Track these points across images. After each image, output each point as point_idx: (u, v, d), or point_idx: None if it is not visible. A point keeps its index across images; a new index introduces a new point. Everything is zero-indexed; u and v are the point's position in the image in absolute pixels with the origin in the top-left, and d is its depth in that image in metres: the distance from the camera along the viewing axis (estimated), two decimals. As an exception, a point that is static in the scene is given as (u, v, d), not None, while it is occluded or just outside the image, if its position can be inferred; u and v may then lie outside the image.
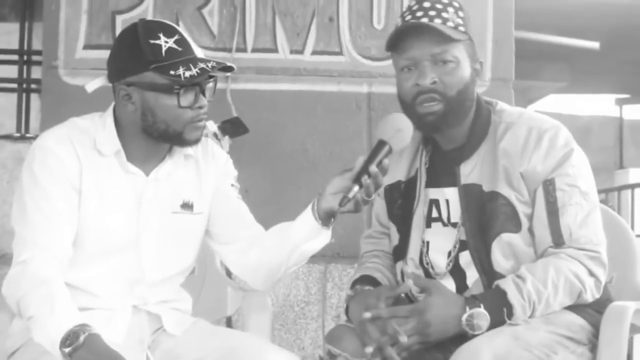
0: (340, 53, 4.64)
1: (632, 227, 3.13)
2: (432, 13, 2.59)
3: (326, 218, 2.56)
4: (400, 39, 2.62)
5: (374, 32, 4.65)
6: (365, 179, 2.43)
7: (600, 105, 15.14)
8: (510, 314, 2.43)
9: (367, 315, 2.48)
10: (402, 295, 2.64)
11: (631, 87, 13.67)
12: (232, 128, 4.27)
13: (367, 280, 2.74)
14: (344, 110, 4.64)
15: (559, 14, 9.34)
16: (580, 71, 11.44)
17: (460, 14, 2.62)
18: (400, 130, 2.49)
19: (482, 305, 2.43)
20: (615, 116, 14.96)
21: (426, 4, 2.61)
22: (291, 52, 4.64)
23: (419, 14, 2.60)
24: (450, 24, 2.58)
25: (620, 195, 7.59)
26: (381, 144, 2.48)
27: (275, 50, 4.64)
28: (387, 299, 2.54)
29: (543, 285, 2.45)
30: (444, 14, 2.59)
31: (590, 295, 2.52)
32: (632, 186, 7.36)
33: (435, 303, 2.45)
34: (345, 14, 4.67)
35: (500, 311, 2.43)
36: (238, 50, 4.60)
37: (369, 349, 2.46)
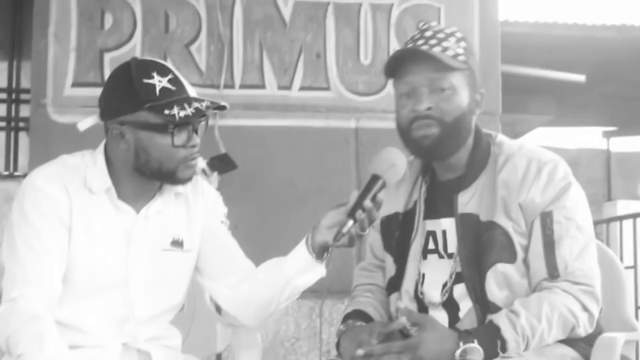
0: (327, 88, 4.67)
1: (621, 259, 3.14)
2: (432, 42, 2.60)
3: (320, 252, 2.57)
4: (399, 65, 2.63)
5: (361, 68, 4.67)
6: (359, 214, 2.44)
7: (587, 138, 15.19)
8: (504, 349, 2.42)
9: (360, 352, 2.47)
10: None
11: (618, 120, 13.72)
12: (221, 164, 4.28)
13: (359, 315, 2.73)
14: (332, 145, 4.66)
15: (545, 48, 9.38)
16: (566, 104, 11.47)
17: (462, 44, 2.63)
18: (394, 165, 2.50)
19: (475, 341, 2.41)
20: (603, 149, 15.00)
21: (428, 33, 2.63)
22: (279, 88, 4.67)
23: (420, 42, 2.62)
24: (449, 52, 2.59)
25: (609, 227, 7.59)
26: (375, 178, 2.49)
27: (263, 87, 4.66)
28: (380, 335, 2.53)
29: (537, 320, 2.44)
30: (445, 43, 2.60)
31: (584, 330, 2.51)
32: (620, 218, 7.36)
33: (428, 338, 2.42)
34: (332, 50, 4.70)
35: (494, 346, 2.41)
36: (226, 86, 4.62)
37: None
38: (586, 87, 10.22)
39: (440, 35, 2.62)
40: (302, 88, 4.66)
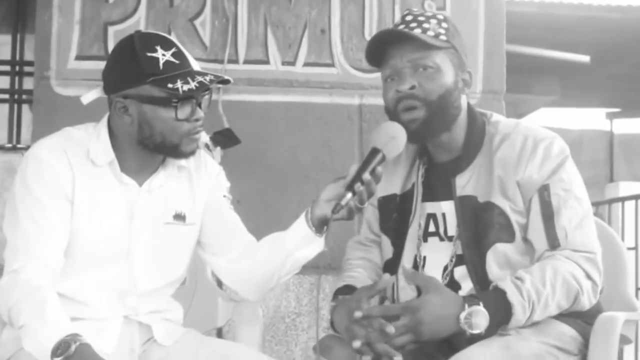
0: (331, 65, 4.65)
1: (623, 239, 3.16)
2: (413, 25, 2.63)
3: (320, 225, 2.57)
4: (381, 51, 2.65)
5: (365, 44, 4.64)
6: (358, 187, 2.45)
7: (590, 119, 15.18)
8: (510, 314, 2.41)
9: (358, 314, 2.46)
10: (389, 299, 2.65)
11: (621, 101, 13.70)
12: (224, 139, 4.27)
13: (350, 291, 2.71)
14: (336, 121, 4.64)
15: (550, 27, 9.37)
16: (570, 85, 11.46)
17: (444, 24, 2.65)
18: (394, 138, 2.51)
19: (481, 304, 2.40)
20: (606, 130, 14.98)
21: (408, 18, 2.66)
22: (283, 63, 4.65)
23: (401, 27, 2.65)
24: (430, 33, 2.61)
25: (611, 208, 7.59)
26: (374, 151, 2.49)
27: (267, 62, 4.64)
28: (369, 299, 2.53)
29: (542, 284, 2.43)
30: (425, 25, 2.62)
31: (587, 298, 2.50)
32: (623, 199, 7.36)
33: (430, 301, 2.42)
34: (337, 26, 4.68)
35: (500, 310, 2.41)
36: (230, 61, 4.60)
37: (357, 344, 2.44)
38: (590, 68, 10.20)
39: (421, 18, 2.65)
40: (306, 64, 4.64)
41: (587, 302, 2.51)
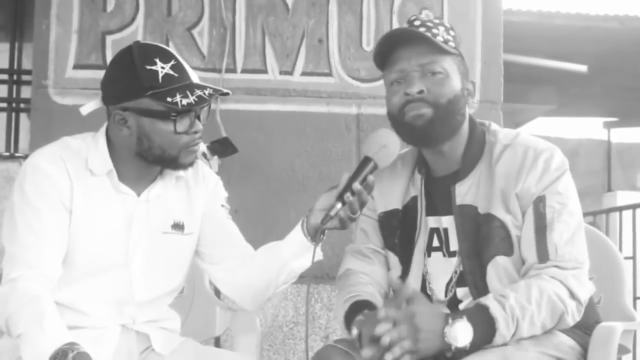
0: (329, 74, 4.66)
1: (620, 249, 3.15)
2: (422, 29, 2.59)
3: (315, 234, 2.57)
4: (389, 54, 2.62)
5: (363, 54, 4.67)
6: (347, 197, 2.44)
7: (588, 128, 15.19)
8: (494, 329, 2.37)
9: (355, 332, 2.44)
10: None
11: (619, 111, 13.70)
12: (221, 148, 4.27)
13: (369, 306, 2.61)
14: (333, 131, 4.66)
15: (547, 37, 9.37)
16: (568, 94, 11.46)
17: (451, 32, 2.63)
18: (386, 147, 2.49)
19: (465, 317, 2.36)
20: (603, 139, 14.98)
21: (417, 22, 2.63)
22: (280, 73, 4.66)
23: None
24: (439, 38, 2.58)
25: (609, 217, 7.57)
26: (366, 160, 2.48)
27: (265, 71, 4.66)
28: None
29: (527, 301, 2.40)
30: (434, 30, 2.59)
31: (572, 318, 2.48)
32: (620, 208, 7.33)
33: (421, 311, 2.37)
34: (335, 36, 4.69)
35: (484, 325, 2.36)
36: (228, 70, 4.62)
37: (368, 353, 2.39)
38: (588, 78, 10.21)
39: (429, 24, 2.62)
40: (303, 73, 4.66)
41: (571, 321, 2.49)
